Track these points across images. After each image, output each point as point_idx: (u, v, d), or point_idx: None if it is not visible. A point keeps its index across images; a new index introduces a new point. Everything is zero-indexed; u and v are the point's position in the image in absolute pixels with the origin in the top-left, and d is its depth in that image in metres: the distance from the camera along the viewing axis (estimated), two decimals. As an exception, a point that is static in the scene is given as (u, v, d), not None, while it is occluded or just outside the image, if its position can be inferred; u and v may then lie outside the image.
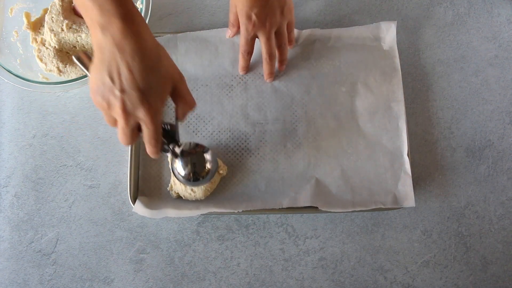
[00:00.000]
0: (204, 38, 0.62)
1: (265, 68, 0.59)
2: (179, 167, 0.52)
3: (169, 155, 0.53)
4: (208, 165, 0.52)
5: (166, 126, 0.49)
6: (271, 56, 0.57)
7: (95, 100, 0.42)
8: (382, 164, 0.58)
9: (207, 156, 0.53)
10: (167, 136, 0.49)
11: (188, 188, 0.54)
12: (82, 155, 0.60)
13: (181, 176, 0.52)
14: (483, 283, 0.58)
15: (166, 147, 0.50)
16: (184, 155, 0.51)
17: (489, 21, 0.67)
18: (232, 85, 0.61)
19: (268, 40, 0.55)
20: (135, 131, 0.43)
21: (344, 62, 0.62)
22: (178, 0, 0.66)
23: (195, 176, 0.52)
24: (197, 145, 0.53)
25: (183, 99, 0.46)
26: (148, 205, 0.54)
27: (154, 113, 0.42)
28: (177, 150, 0.50)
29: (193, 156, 0.52)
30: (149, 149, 0.45)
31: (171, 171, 0.54)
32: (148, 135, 0.43)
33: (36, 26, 0.62)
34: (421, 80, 0.64)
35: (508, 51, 0.65)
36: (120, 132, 0.43)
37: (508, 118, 0.63)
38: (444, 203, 0.60)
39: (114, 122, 0.43)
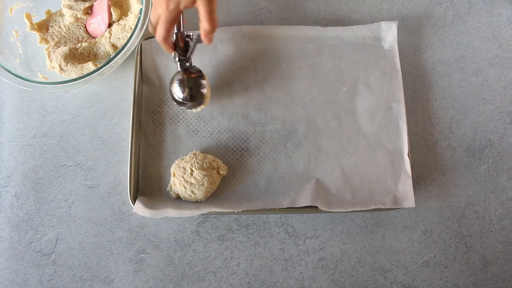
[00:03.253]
0: (203, 38, 0.62)
1: None
2: (177, 89, 0.55)
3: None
4: (203, 90, 0.56)
5: (187, 37, 0.55)
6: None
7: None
8: (382, 164, 0.58)
9: (203, 81, 0.56)
10: (182, 49, 0.55)
11: (188, 189, 0.54)
12: (82, 155, 0.60)
13: (178, 96, 0.56)
14: (483, 283, 0.58)
15: (178, 53, 0.55)
16: (184, 73, 0.56)
17: (489, 21, 0.66)
18: (232, 84, 0.61)
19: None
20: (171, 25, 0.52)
21: (345, 60, 0.62)
22: (178, 0, 0.66)
23: (191, 97, 0.56)
24: (198, 70, 0.57)
25: (203, 17, 0.50)
26: (148, 205, 0.54)
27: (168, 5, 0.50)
28: (179, 58, 0.55)
29: (190, 79, 0.56)
30: (159, 31, 0.52)
31: (169, 93, 0.57)
32: (162, 19, 0.51)
33: (42, 27, 0.63)
34: (421, 80, 0.64)
35: (508, 51, 0.65)
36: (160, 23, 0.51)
37: (508, 118, 0.63)
38: (444, 203, 0.60)
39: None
